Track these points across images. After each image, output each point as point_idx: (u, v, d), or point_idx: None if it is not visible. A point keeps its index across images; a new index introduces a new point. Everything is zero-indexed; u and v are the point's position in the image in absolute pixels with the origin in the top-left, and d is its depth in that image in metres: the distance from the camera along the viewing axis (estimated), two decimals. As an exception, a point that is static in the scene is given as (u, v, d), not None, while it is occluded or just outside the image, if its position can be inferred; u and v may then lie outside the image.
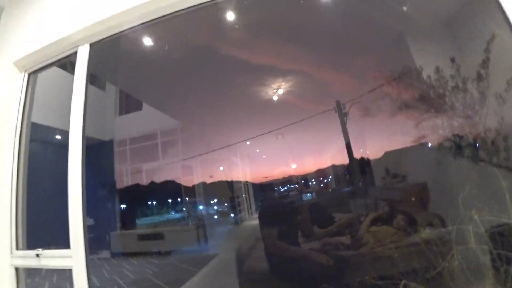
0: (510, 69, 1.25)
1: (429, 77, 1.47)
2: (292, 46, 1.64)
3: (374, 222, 1.40)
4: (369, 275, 1.26)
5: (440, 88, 1.42)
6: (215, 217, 4.21)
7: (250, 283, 1.47)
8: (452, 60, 1.41)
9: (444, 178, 1.36)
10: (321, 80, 1.65)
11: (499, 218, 1.16)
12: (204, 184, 4.21)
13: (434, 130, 1.43)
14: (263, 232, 1.70)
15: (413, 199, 1.40)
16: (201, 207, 4.33)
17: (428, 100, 1.46)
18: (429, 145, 1.41)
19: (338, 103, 1.65)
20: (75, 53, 1.48)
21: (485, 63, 1.32)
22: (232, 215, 3.86)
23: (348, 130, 1.64)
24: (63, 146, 1.36)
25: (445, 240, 1.26)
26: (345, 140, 1.61)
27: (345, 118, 1.65)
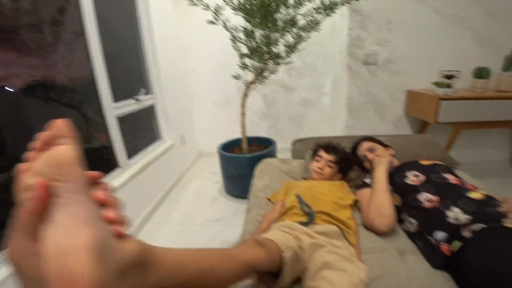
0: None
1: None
2: None
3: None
4: None
5: (16, 22, 1.31)
6: None
7: None
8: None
9: (21, 118, 1.44)
10: None
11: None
12: None
13: (13, 71, 1.36)
14: None
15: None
16: None
17: (14, 36, 1.34)
18: (8, 87, 1.39)
19: None
20: None
21: (62, 10, 1.51)
22: None
23: None
24: None
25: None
26: None
27: None
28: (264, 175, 1.63)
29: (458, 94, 2.20)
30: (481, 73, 2.32)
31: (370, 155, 1.46)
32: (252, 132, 3.35)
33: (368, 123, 2.67)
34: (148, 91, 2.42)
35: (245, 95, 2.27)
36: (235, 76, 2.22)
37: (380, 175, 1.25)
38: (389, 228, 1.10)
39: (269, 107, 3.28)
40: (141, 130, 2.48)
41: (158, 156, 2.37)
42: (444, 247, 0.95)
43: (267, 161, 1.80)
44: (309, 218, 1.03)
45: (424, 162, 1.30)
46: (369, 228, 1.14)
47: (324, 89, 3.22)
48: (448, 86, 2.21)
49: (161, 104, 2.55)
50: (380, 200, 1.15)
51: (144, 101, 2.30)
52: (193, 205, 2.36)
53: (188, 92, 3.16)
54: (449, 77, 2.26)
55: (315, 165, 1.42)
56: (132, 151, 2.19)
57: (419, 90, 2.44)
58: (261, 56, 2.05)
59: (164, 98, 2.54)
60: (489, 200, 1.02)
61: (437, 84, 2.25)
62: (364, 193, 1.29)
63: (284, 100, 3.26)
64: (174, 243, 1.88)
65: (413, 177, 1.22)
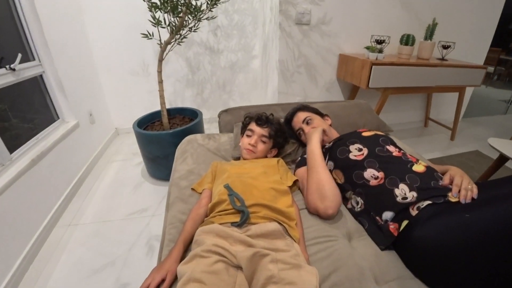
0: None
1: None
2: None
3: None
4: None
5: None
6: None
7: None
8: None
9: None
10: None
11: None
12: None
13: None
14: None
15: None
16: None
17: None
18: None
19: None
20: None
21: None
22: None
23: None
24: None
25: None
26: None
27: None
28: (187, 157, 1.35)
29: (387, 60, 2.18)
30: (407, 39, 2.33)
31: (307, 128, 1.30)
32: (177, 103, 2.97)
33: (301, 88, 2.53)
34: (28, 58, 1.81)
35: (161, 59, 1.86)
36: (145, 35, 1.78)
37: (314, 150, 1.10)
38: (335, 211, 0.97)
39: (193, 73, 2.89)
40: (35, 110, 1.90)
41: (58, 141, 1.86)
42: (393, 227, 0.89)
43: (189, 138, 1.50)
44: (242, 217, 0.82)
45: (365, 133, 1.19)
46: (313, 212, 1.01)
47: (253, 52, 2.96)
48: (380, 51, 2.17)
49: (52, 73, 1.97)
50: (319, 179, 0.99)
51: (23, 70, 1.71)
52: (111, 196, 1.97)
53: (90, 58, 2.55)
54: (380, 42, 2.22)
55: (246, 141, 1.20)
56: (24, 138, 1.69)
57: (351, 54, 2.37)
58: (175, 9, 1.65)
59: (56, 66, 1.96)
60: (431, 173, 0.98)
61: (369, 49, 2.19)
62: (304, 171, 1.13)
63: (210, 64, 2.90)
64: (90, 247, 1.52)
65: (357, 152, 1.09)
